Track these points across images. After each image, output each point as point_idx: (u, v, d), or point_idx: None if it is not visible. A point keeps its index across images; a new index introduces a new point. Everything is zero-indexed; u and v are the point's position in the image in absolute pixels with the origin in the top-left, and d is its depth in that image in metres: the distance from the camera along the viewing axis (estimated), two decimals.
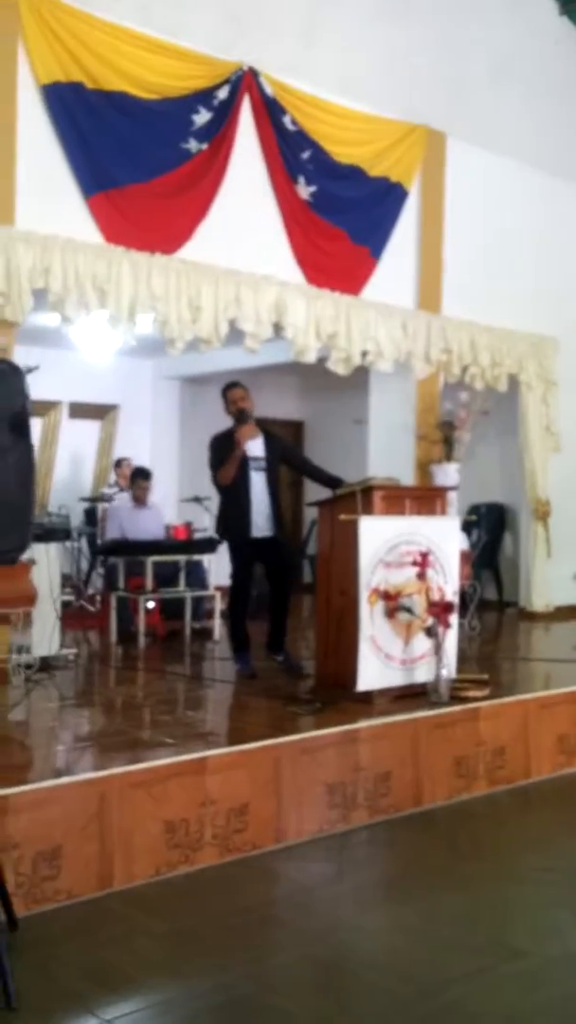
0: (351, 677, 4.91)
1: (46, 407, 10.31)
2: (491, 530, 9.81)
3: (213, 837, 3.83)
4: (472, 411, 7.94)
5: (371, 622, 4.90)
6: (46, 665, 5.78)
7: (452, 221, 8.42)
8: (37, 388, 9.62)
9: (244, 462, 5.71)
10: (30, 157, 5.86)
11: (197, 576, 7.68)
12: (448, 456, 7.94)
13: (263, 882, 3.82)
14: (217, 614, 7.36)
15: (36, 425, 10.28)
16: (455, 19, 8.54)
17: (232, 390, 5.89)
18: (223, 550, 7.92)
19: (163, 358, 10.84)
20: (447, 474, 7.74)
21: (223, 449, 5.78)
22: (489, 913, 3.63)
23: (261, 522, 5.75)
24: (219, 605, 7.45)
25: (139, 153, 6.33)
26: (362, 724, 4.47)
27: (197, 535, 8.62)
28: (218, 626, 7.35)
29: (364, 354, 7.74)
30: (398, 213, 7.96)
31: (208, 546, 7.55)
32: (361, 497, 4.94)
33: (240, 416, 5.76)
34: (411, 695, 5.05)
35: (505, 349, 8.80)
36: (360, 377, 8.86)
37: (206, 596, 7.58)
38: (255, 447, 5.80)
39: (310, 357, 7.34)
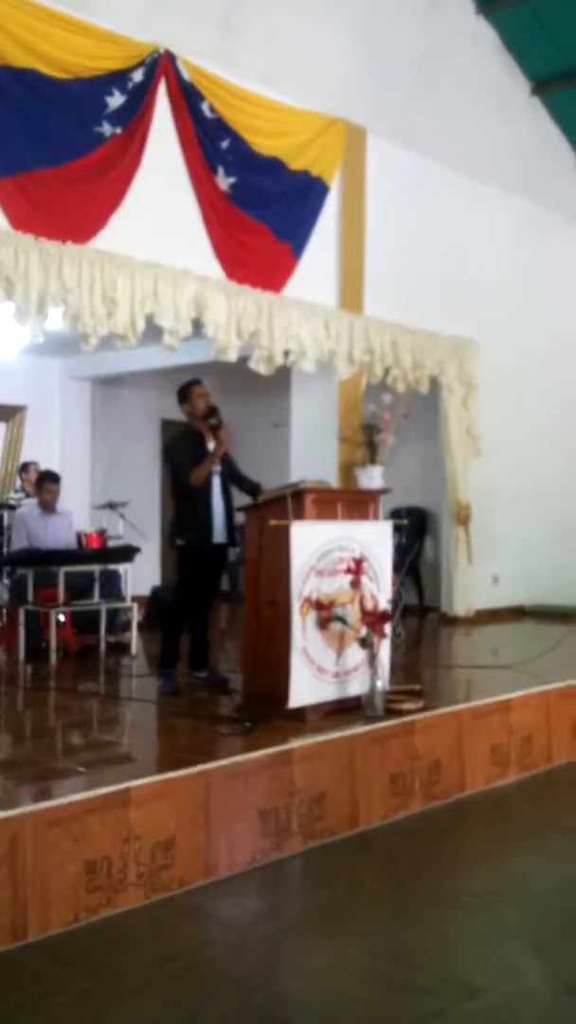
0: (282, 693, 4.62)
1: None
2: (411, 534, 9.65)
3: (138, 876, 3.49)
4: (396, 413, 7.75)
5: (303, 633, 4.62)
6: None
7: (372, 219, 8.24)
8: None
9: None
10: None
11: (113, 587, 7.27)
12: (372, 459, 7.73)
13: (193, 923, 3.48)
14: (135, 627, 6.97)
15: None
16: (377, 15, 8.38)
17: (196, 386, 5.59)
18: (140, 559, 7.60)
19: (72, 357, 10.37)
20: (371, 477, 7.54)
21: (192, 447, 5.46)
22: (438, 946, 3.38)
23: (219, 528, 5.46)
24: (136, 617, 7.07)
25: (50, 135, 5.94)
26: (295, 744, 4.18)
27: (111, 543, 8.22)
28: (135, 640, 6.96)
29: (286, 353, 7.48)
30: (319, 209, 7.74)
31: (125, 555, 7.16)
32: (292, 501, 4.65)
33: (210, 413, 5.45)
34: (344, 709, 4.79)
35: (426, 351, 8.67)
36: (279, 379, 8.60)
37: (123, 608, 7.19)
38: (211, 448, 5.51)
39: (231, 356, 7.05)
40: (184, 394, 5.63)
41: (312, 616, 4.67)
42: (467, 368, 9.13)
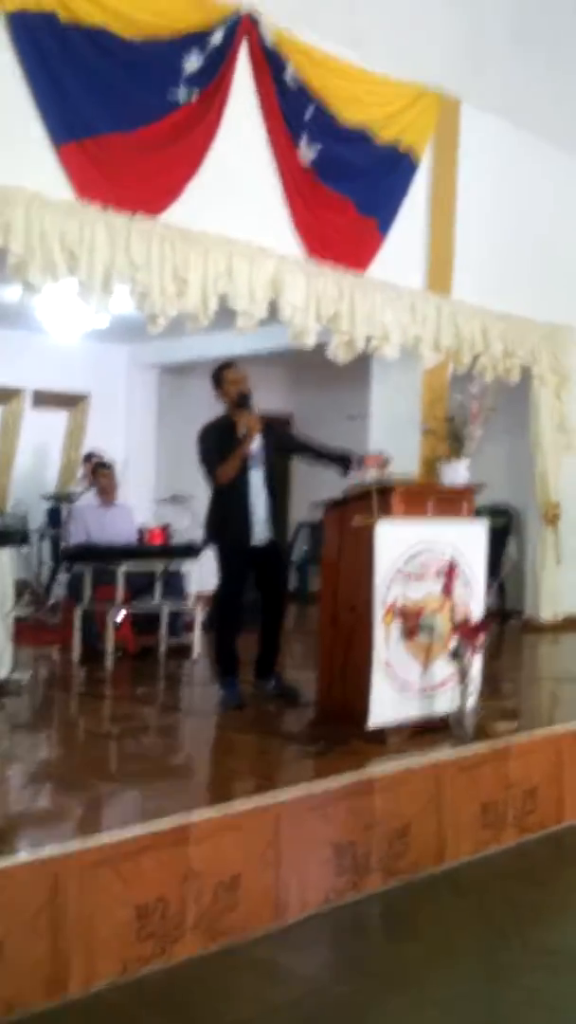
0: (361, 710, 4.13)
1: (7, 395, 9.43)
2: (497, 535, 9.03)
3: (196, 921, 3.04)
4: (485, 404, 7.18)
5: (386, 644, 4.13)
6: None
7: (465, 197, 7.66)
8: None
9: (242, 458, 4.95)
10: None
11: (175, 586, 6.85)
12: (457, 453, 7.16)
13: (259, 979, 3.03)
14: (197, 628, 6.54)
15: None
16: None
17: (229, 370, 5.11)
18: (204, 556, 7.16)
19: (138, 344, 10.03)
20: (457, 472, 6.94)
21: (222, 440, 4.98)
22: (542, 1017, 2.88)
23: (260, 526, 4.98)
24: (199, 617, 6.64)
25: (120, 99, 5.50)
26: (376, 770, 3.69)
27: (175, 539, 7.81)
28: (198, 642, 6.53)
29: (368, 339, 6.96)
30: (408, 184, 7.19)
31: (189, 552, 6.72)
32: (377, 498, 4.15)
33: (242, 401, 4.98)
34: (429, 730, 4.29)
35: (518, 338, 8.07)
36: (353, 369, 8.08)
37: (186, 609, 6.76)
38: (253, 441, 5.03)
39: (309, 341, 6.55)
40: (216, 379, 5.17)
41: (397, 625, 4.17)
42: (562, 358, 8.50)
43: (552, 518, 8.50)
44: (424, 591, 4.26)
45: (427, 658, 4.27)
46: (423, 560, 4.26)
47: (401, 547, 4.19)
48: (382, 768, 3.73)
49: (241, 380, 5.05)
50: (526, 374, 8.24)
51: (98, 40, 5.41)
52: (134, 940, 2.87)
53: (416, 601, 4.24)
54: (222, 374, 5.10)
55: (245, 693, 4.98)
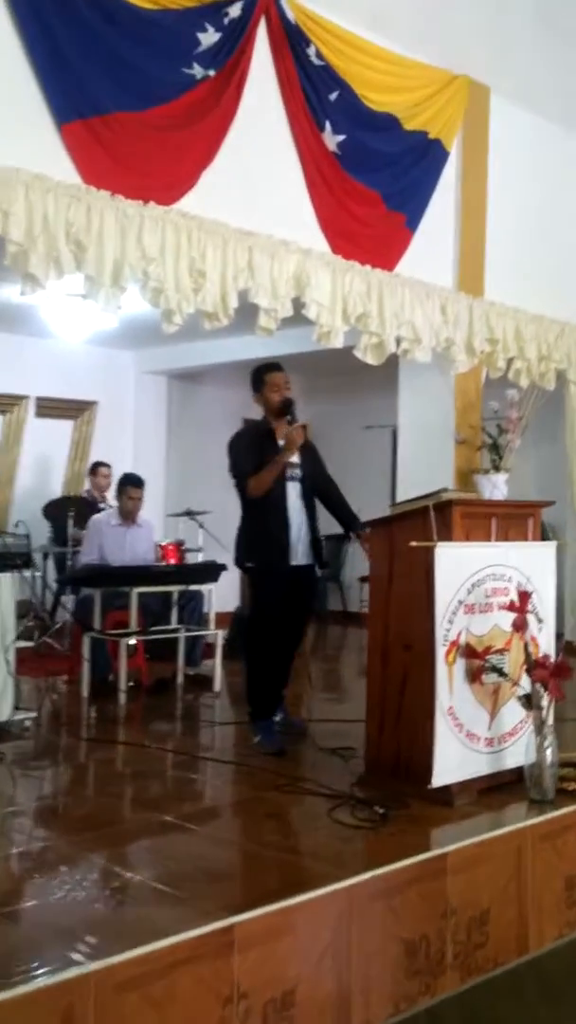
0: (419, 764, 3.55)
1: (9, 403, 8.84)
2: None
3: None
4: (524, 411, 6.62)
5: (449, 688, 3.54)
6: None
7: (496, 191, 7.12)
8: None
9: (281, 470, 4.38)
10: None
11: (193, 609, 6.27)
12: (496, 465, 6.60)
13: None
14: (218, 656, 5.94)
15: None
16: None
17: (271, 373, 4.56)
18: (225, 577, 6.59)
19: (147, 349, 9.48)
20: (496, 486, 6.40)
21: (256, 449, 4.44)
22: None
23: (298, 546, 4.42)
24: (220, 642, 6.06)
25: (130, 74, 4.94)
26: (451, 846, 3.09)
27: (189, 557, 7.24)
28: (218, 672, 5.94)
29: (398, 341, 6.40)
30: (438, 175, 6.63)
31: (208, 574, 6.16)
32: (435, 516, 3.58)
33: (284, 408, 4.42)
34: (498, 787, 3.70)
35: (553, 341, 7.51)
36: (374, 377, 7.55)
37: (205, 635, 6.17)
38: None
39: (336, 342, 5.98)
40: (256, 382, 4.62)
41: (461, 666, 3.59)
42: None
43: None
44: (490, 625, 3.69)
45: (495, 704, 3.69)
46: (488, 589, 3.69)
47: (463, 574, 3.61)
48: (456, 841, 3.13)
49: (284, 384, 4.52)
50: (561, 379, 7.69)
51: (106, 8, 4.85)
52: None
53: (480, 637, 3.66)
54: (263, 377, 4.55)
55: (281, 740, 4.40)
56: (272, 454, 4.35)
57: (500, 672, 3.63)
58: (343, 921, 2.77)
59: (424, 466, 6.98)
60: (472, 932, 3.07)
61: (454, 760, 3.53)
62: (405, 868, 2.94)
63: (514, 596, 3.65)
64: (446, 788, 3.51)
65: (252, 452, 4.41)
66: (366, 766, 3.87)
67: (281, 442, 4.38)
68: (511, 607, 3.59)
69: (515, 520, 3.96)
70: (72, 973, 2.17)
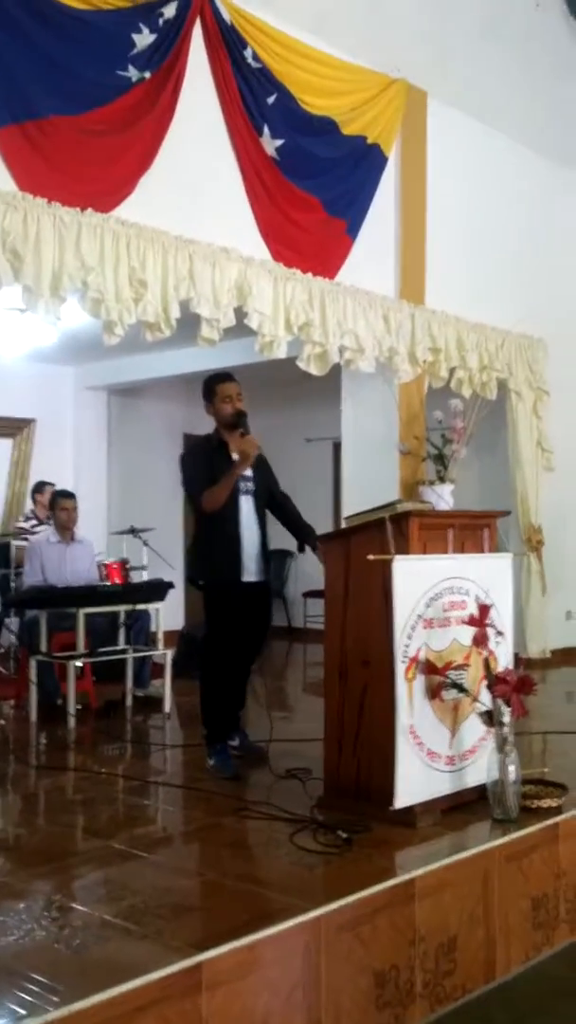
0: (379, 785, 3.44)
1: None
2: None
3: None
4: (468, 421, 6.58)
5: (409, 706, 3.44)
6: None
7: (435, 197, 7.11)
8: None
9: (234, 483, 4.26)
10: None
11: (140, 629, 6.09)
12: (441, 476, 6.55)
13: None
14: (167, 676, 5.77)
15: None
16: None
17: (225, 384, 4.41)
18: (171, 595, 6.42)
19: (86, 365, 9.28)
20: (441, 497, 6.34)
21: (209, 462, 4.30)
22: None
23: (251, 562, 4.29)
24: (169, 662, 5.89)
25: (65, 76, 4.80)
26: (417, 871, 2.98)
27: (134, 575, 7.06)
28: (168, 692, 5.77)
29: (341, 351, 6.32)
30: (377, 181, 6.59)
31: (156, 592, 5.99)
32: (391, 528, 3.48)
33: (236, 420, 4.29)
34: (460, 806, 3.60)
35: (494, 351, 7.52)
36: (315, 388, 7.47)
37: (154, 655, 6.00)
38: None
39: (279, 352, 5.89)
40: (206, 392, 4.47)
41: (421, 682, 3.48)
42: (537, 371, 7.99)
43: (535, 544, 7.92)
44: (449, 640, 3.59)
45: (455, 721, 3.60)
46: (446, 602, 3.59)
47: (422, 587, 3.51)
48: (421, 865, 3.02)
49: (236, 396, 4.37)
50: (502, 388, 7.70)
51: (38, 9, 4.70)
52: None
53: (439, 652, 3.56)
54: (215, 388, 4.40)
55: (237, 764, 4.26)
56: (225, 468, 4.21)
57: (460, 688, 3.54)
58: (312, 953, 2.65)
59: (369, 478, 6.91)
60: (440, 959, 2.96)
61: (416, 780, 3.43)
62: (372, 896, 2.82)
63: (473, 609, 3.57)
64: (409, 809, 3.41)
65: (204, 466, 4.27)
66: (325, 788, 3.74)
67: (235, 456, 4.24)
68: (471, 621, 3.50)
69: (471, 531, 3.88)
70: (33, 1022, 2.01)
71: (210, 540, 4.26)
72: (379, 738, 3.49)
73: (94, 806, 3.93)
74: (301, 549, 4.47)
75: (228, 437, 4.33)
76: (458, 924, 3.05)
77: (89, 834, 3.60)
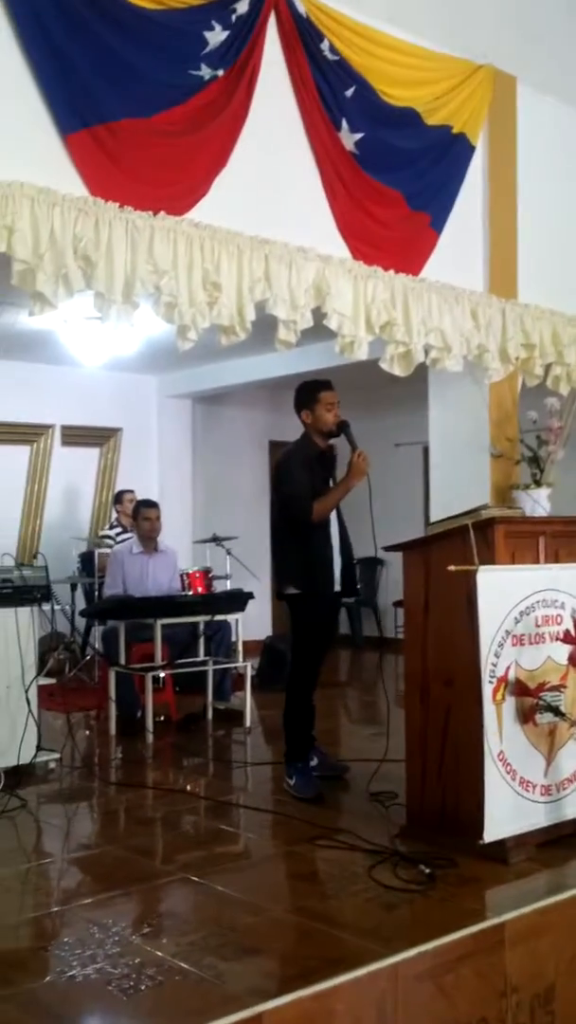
0: (471, 818, 3.18)
1: (35, 432, 8.64)
2: None
3: None
4: (566, 420, 6.24)
5: (498, 731, 3.18)
6: (16, 780, 4.10)
7: (527, 186, 6.77)
8: (24, 410, 7.92)
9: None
10: None
11: (222, 640, 5.96)
12: (536, 479, 6.21)
13: None
14: (248, 689, 5.61)
15: (23, 454, 8.61)
16: None
17: (328, 391, 4.34)
18: (255, 604, 6.27)
19: (170, 373, 9.23)
20: (537, 502, 6.02)
21: (312, 472, 4.22)
22: None
23: (338, 573, 4.25)
24: (250, 674, 5.74)
25: (135, 78, 4.68)
26: (509, 914, 2.73)
27: (217, 584, 6.94)
28: (249, 705, 5.61)
29: (426, 350, 6.06)
30: (464, 172, 6.29)
31: (236, 602, 5.84)
32: (475, 536, 3.23)
33: (340, 430, 4.23)
34: (557, 840, 3.32)
35: None
36: (402, 391, 7.22)
37: (234, 667, 5.85)
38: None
39: (360, 354, 5.65)
40: (307, 399, 4.32)
41: (511, 704, 3.22)
42: None
43: None
44: (542, 658, 3.33)
45: (551, 748, 3.32)
46: (538, 617, 3.33)
47: (510, 601, 3.26)
48: (514, 906, 2.77)
49: (336, 404, 4.23)
50: None
51: (108, 10, 4.59)
52: None
53: (531, 672, 3.29)
54: (317, 395, 4.30)
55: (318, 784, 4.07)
56: (321, 477, 4.15)
57: (556, 711, 3.27)
58: (387, 1005, 2.43)
59: (458, 483, 6.60)
60: (536, 1012, 2.70)
61: (507, 811, 3.17)
62: (457, 942, 2.59)
63: (569, 625, 3.30)
64: (499, 843, 3.15)
65: (307, 477, 4.16)
66: (408, 816, 3.52)
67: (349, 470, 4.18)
68: (566, 637, 3.23)
69: (565, 539, 3.59)
70: None
71: (309, 551, 4.17)
72: (466, 765, 3.24)
73: (164, 827, 3.80)
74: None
75: (325, 447, 4.15)
76: (556, 972, 2.78)
77: (155, 858, 3.46)
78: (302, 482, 4.21)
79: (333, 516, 4.25)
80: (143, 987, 2.33)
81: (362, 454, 4.12)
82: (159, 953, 2.53)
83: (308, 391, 4.32)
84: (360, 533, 4.40)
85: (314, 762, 4.29)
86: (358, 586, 4.44)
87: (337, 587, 4.27)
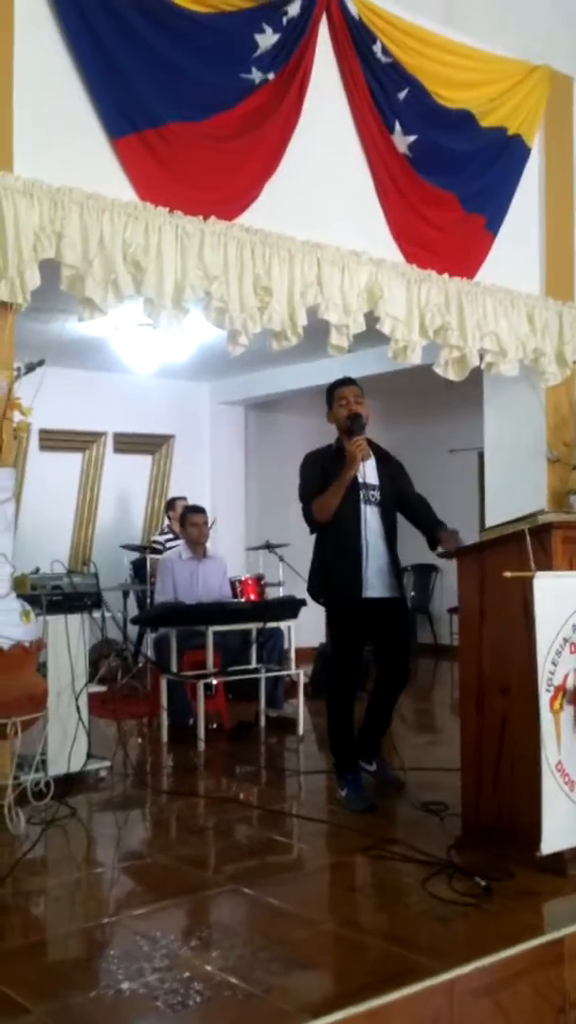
0: (528, 829, 3.08)
1: (87, 440, 8.70)
2: None
3: None
4: None
5: (556, 740, 3.08)
6: (66, 788, 4.09)
7: None
8: (76, 417, 7.97)
9: (354, 491, 4.00)
10: (33, 83, 4.27)
11: (274, 647, 5.91)
12: None
13: None
14: (301, 698, 5.56)
15: (76, 461, 8.67)
16: None
17: (342, 388, 4.22)
18: (308, 611, 6.21)
19: (222, 380, 9.25)
20: None
21: (321, 471, 4.08)
22: None
23: (376, 577, 4.00)
24: (303, 681, 5.68)
25: (185, 82, 4.70)
26: (568, 929, 2.63)
27: (270, 591, 6.90)
28: (302, 714, 5.55)
29: (481, 355, 5.97)
30: (519, 173, 6.22)
31: (287, 610, 5.78)
32: (532, 541, 3.13)
33: (354, 424, 4.04)
34: None
35: None
36: (454, 396, 7.11)
37: (287, 675, 5.80)
38: (368, 470, 4.09)
39: (414, 358, 5.59)
40: (327, 399, 4.30)
41: (569, 714, 3.12)
42: None
43: None
44: None
45: None
46: None
47: (568, 608, 3.15)
48: (573, 920, 2.67)
49: (353, 399, 4.15)
50: None
51: (157, 15, 4.63)
52: None
53: None
54: (332, 392, 4.25)
55: (371, 793, 4.00)
56: (336, 474, 3.97)
57: None
58: (442, 1022, 2.34)
59: (514, 489, 6.50)
60: None
61: (566, 822, 3.06)
62: (515, 957, 2.49)
63: None
64: (558, 855, 3.04)
65: (317, 474, 4.04)
66: (463, 827, 3.42)
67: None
68: None
69: None
70: None
71: (328, 554, 4.03)
72: (522, 775, 3.15)
73: (215, 837, 3.75)
74: (432, 546, 4.12)
75: (345, 443, 4.09)
76: None
77: (206, 868, 3.40)
78: (307, 482, 4.12)
79: (372, 518, 4.04)
80: (191, 1002, 2.27)
81: (356, 441, 3.97)
82: (208, 967, 2.47)
83: (328, 391, 4.27)
84: (416, 538, 4.29)
85: (372, 767, 4.21)
86: (400, 593, 4.18)
87: (377, 592, 4.01)
